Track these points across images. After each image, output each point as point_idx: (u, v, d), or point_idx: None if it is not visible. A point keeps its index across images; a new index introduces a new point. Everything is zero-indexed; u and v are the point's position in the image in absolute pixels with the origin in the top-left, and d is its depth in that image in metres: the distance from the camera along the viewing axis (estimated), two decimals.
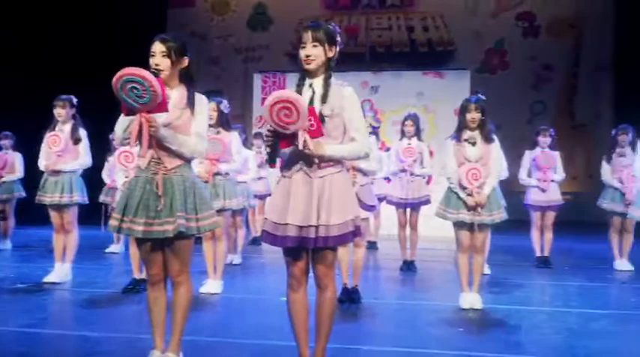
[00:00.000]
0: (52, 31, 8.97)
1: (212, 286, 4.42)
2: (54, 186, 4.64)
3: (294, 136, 2.41)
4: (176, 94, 2.60)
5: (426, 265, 5.78)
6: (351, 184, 2.86)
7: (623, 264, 5.70)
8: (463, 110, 4.04)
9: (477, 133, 4.01)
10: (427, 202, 5.59)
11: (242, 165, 4.88)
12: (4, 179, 6.54)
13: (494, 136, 4.13)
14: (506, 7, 10.84)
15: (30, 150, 5.50)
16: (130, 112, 2.47)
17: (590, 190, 8.52)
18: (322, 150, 2.44)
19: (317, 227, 2.44)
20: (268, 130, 2.47)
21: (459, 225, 4.06)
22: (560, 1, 10.72)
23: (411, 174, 5.53)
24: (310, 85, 2.54)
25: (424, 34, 11.01)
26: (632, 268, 5.59)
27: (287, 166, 2.54)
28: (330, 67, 2.54)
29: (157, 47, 2.55)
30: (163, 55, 2.55)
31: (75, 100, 4.73)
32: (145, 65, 2.51)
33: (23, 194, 6.63)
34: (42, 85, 7.34)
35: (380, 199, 5.93)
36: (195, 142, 2.60)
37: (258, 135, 7.19)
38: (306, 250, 2.53)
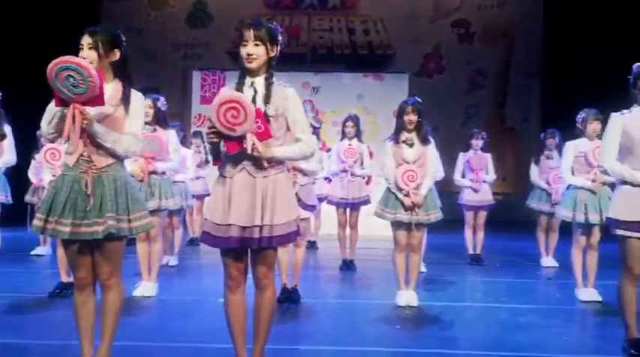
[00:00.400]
0: None
1: (146, 288, 4.29)
2: None
3: (241, 138, 2.37)
4: (110, 89, 2.49)
5: (364, 264, 5.87)
6: (292, 185, 2.87)
7: (549, 261, 6.01)
8: (401, 112, 4.13)
9: (414, 135, 4.11)
10: (367, 202, 5.67)
11: (180, 164, 4.77)
12: None
13: (431, 138, 4.25)
14: (443, 14, 11.18)
15: None
16: (63, 103, 2.33)
17: (520, 190, 8.95)
18: (271, 152, 2.43)
19: (261, 227, 2.42)
20: (210, 128, 2.41)
21: (396, 225, 4.15)
22: (494, 9, 11.18)
23: (352, 174, 5.61)
24: (251, 84, 2.51)
25: (365, 37, 11.16)
26: (557, 265, 5.90)
27: (227, 165, 2.50)
28: (272, 66, 2.53)
29: (85, 40, 2.45)
30: (90, 48, 2.44)
31: None
32: None
33: None
34: None
35: (320, 199, 5.96)
36: (129, 141, 2.49)
37: (197, 134, 7.04)
38: (246, 250, 2.51)
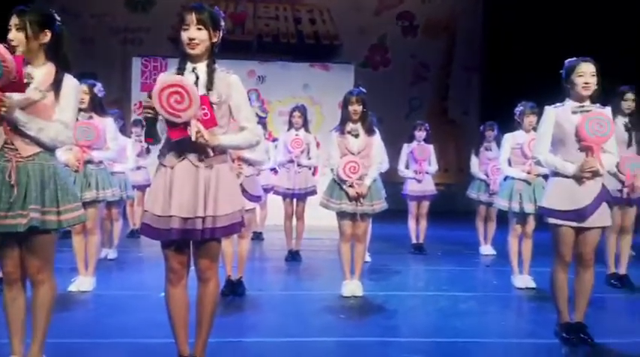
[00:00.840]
0: None
1: (83, 283, 4.11)
2: None
3: (185, 125, 2.28)
4: (40, 73, 2.34)
5: (310, 255, 5.87)
6: (236, 175, 2.79)
7: (487, 249, 6.24)
8: (346, 103, 4.13)
9: (359, 126, 4.13)
10: (313, 192, 5.67)
11: (118, 153, 4.58)
12: None
13: (376, 129, 4.28)
14: (388, 6, 11.29)
15: None
16: None
17: (460, 181, 9.21)
18: (217, 140, 2.35)
19: (204, 218, 2.35)
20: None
21: (341, 215, 4.16)
22: (436, 3, 11.40)
23: (298, 165, 5.58)
24: (193, 70, 2.42)
25: (311, 27, 11.12)
26: (495, 253, 6.13)
27: (167, 154, 2.40)
28: (214, 52, 2.45)
29: (12, 20, 2.30)
30: (18, 29, 2.29)
31: None
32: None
33: None
34: None
35: (267, 190, 5.91)
36: (58, 129, 2.33)
37: (137, 122, 6.79)
38: (189, 242, 2.43)
